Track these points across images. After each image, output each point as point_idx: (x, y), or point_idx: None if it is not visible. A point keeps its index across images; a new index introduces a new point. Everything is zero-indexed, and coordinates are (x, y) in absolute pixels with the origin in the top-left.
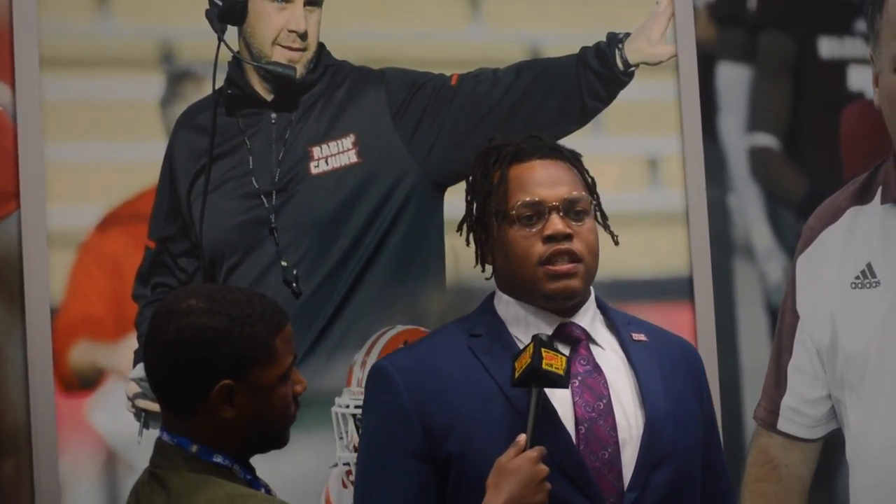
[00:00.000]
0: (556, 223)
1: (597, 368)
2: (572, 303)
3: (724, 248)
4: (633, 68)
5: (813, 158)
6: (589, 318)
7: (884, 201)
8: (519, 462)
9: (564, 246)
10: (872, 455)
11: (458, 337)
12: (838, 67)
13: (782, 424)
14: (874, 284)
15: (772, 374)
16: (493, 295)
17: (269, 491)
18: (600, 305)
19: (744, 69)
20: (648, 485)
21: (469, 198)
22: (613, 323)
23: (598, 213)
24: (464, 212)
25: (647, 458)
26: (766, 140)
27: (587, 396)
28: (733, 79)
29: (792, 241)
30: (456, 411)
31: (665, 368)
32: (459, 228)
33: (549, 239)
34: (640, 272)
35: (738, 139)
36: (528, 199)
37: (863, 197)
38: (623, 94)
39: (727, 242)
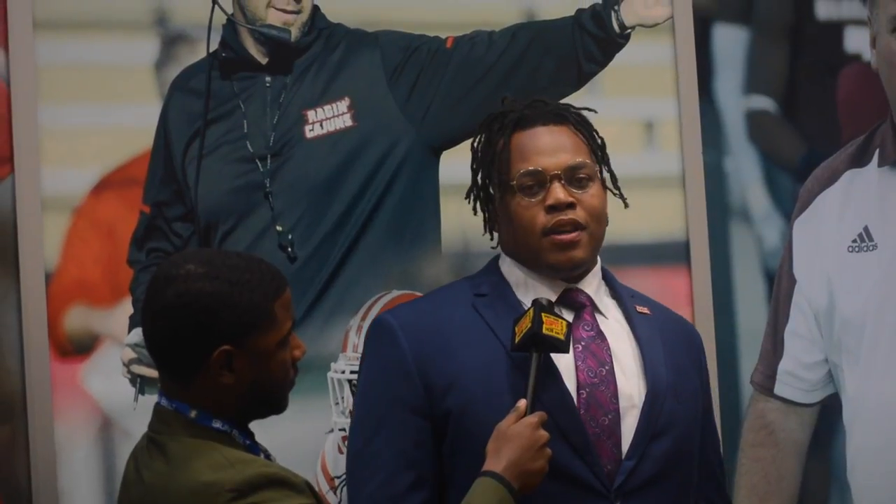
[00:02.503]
0: (558, 192)
1: (600, 335)
2: (576, 272)
3: (721, 211)
4: (629, 30)
5: (810, 121)
6: (594, 287)
7: (881, 164)
8: (519, 428)
9: (567, 216)
10: (869, 419)
11: (463, 295)
12: (835, 29)
13: (779, 389)
14: (871, 248)
15: (769, 338)
16: (498, 257)
17: (268, 456)
18: (606, 277)
19: (740, 31)
20: (647, 455)
21: (474, 166)
22: (618, 294)
23: (609, 176)
24: (459, 175)
25: (647, 428)
26: (763, 102)
27: (590, 362)
28: (730, 41)
29: (789, 205)
30: (457, 369)
31: (667, 341)
32: (467, 196)
33: (551, 209)
34: (637, 236)
35: (734, 102)
36: (528, 168)
37: (860, 160)
38: (619, 57)
39: (724, 206)
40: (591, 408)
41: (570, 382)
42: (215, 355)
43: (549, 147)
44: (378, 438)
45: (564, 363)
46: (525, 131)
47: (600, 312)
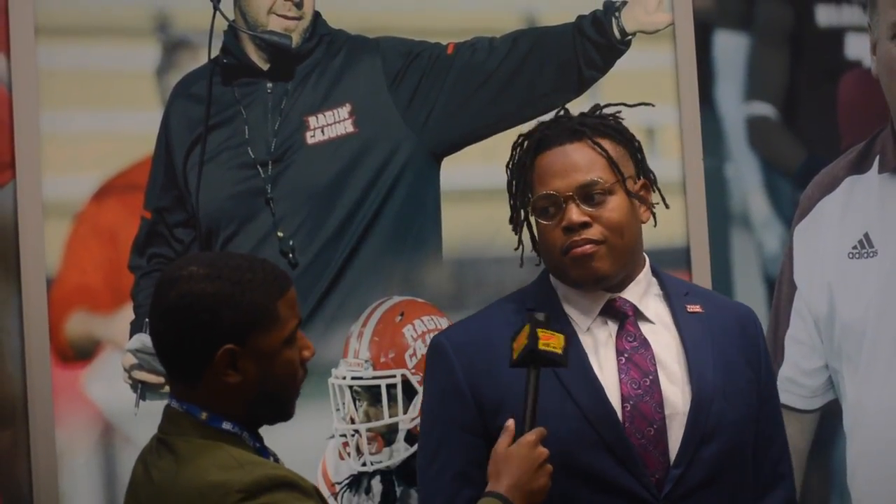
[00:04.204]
0: (571, 214)
1: (644, 344)
2: (606, 284)
3: (722, 218)
4: (629, 37)
5: (810, 127)
6: (639, 292)
7: (881, 171)
8: (517, 448)
9: (581, 235)
10: (870, 425)
11: (513, 311)
12: (836, 35)
13: (780, 395)
14: (871, 254)
15: (769, 344)
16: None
17: (276, 460)
18: (658, 275)
19: (741, 37)
20: (695, 460)
21: (509, 189)
22: (668, 294)
23: (648, 181)
24: (460, 181)
25: (693, 434)
26: (764, 109)
27: (633, 373)
28: (730, 47)
29: (789, 211)
30: (507, 387)
31: (718, 340)
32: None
33: (567, 230)
34: None
35: (735, 108)
36: (544, 192)
37: (860, 166)
38: (620, 63)
39: (724, 212)
40: (635, 420)
41: (615, 396)
42: (219, 354)
43: (562, 168)
44: (438, 459)
45: (608, 376)
46: (545, 153)
47: (646, 318)
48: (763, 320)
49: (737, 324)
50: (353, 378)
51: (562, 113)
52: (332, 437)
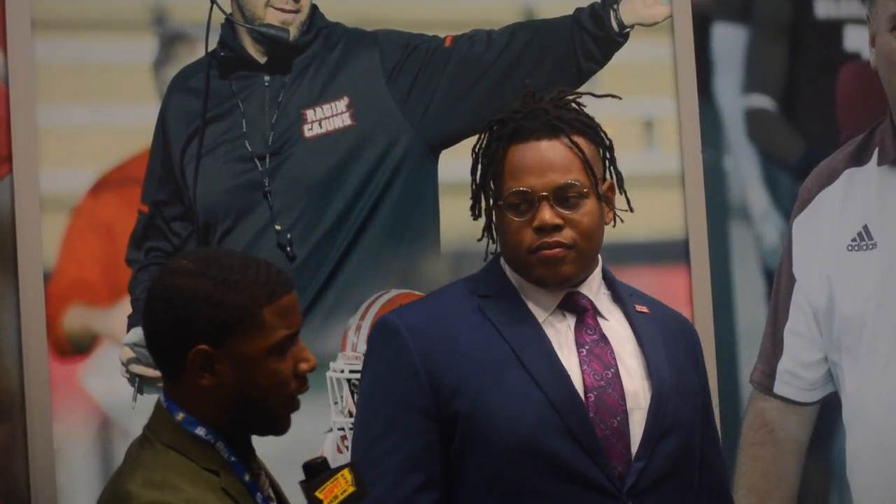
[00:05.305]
0: (545, 214)
1: (603, 338)
2: (568, 286)
3: (720, 210)
4: (627, 29)
5: (809, 120)
6: (594, 290)
7: (880, 163)
8: None
9: (552, 238)
10: (869, 418)
11: (467, 296)
12: (834, 28)
13: (779, 388)
14: (871, 246)
15: (768, 337)
16: (500, 256)
17: (256, 478)
18: (606, 277)
19: (739, 30)
20: (655, 455)
21: (473, 172)
22: (619, 295)
23: (615, 181)
24: (458, 174)
25: (654, 428)
26: (762, 101)
27: (595, 365)
28: (729, 39)
29: (788, 203)
30: (465, 371)
31: (667, 341)
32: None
33: (538, 230)
34: (636, 235)
35: (733, 100)
36: (517, 188)
37: (859, 158)
38: (618, 56)
39: (723, 205)
40: (599, 410)
41: (578, 386)
42: (191, 354)
43: (538, 166)
44: (386, 441)
45: (570, 367)
46: (519, 145)
47: (601, 315)
48: (762, 313)
49: (679, 329)
50: (351, 371)
51: (531, 97)
52: (331, 430)
